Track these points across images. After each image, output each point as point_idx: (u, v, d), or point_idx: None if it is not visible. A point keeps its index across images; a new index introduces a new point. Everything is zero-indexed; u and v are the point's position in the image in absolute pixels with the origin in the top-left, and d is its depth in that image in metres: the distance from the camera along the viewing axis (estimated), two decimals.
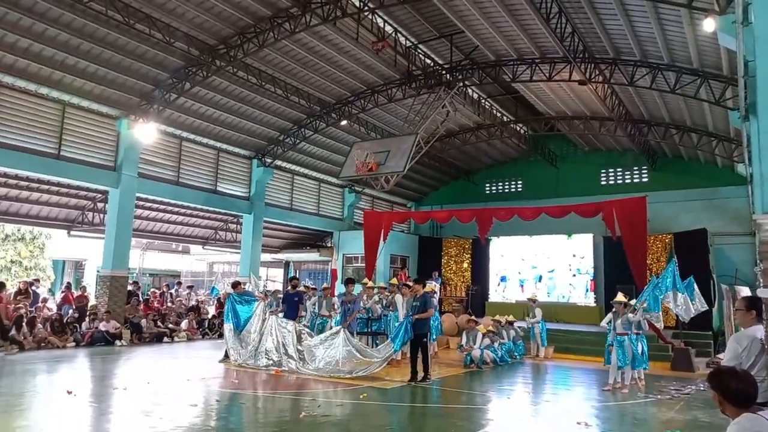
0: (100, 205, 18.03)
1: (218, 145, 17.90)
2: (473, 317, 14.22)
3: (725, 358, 4.27)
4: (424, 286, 10.22)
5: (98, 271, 16.43)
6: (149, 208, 19.41)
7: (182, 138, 16.99)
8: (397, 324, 10.79)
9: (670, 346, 13.25)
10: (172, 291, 19.17)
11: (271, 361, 10.70)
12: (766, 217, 4.33)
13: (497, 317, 13.74)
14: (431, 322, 10.44)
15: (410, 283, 15.30)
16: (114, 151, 15.16)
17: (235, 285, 12.36)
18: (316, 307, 12.65)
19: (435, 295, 12.89)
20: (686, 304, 11.37)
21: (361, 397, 8.24)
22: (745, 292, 11.81)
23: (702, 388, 9.75)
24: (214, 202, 18.25)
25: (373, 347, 11.04)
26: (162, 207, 19.57)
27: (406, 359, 11.39)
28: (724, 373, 3.21)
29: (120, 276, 15.04)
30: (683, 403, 8.63)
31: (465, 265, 22.09)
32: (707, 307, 11.81)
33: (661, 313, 11.21)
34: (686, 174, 19.25)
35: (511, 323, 13.67)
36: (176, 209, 20.06)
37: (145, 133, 14.99)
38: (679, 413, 7.95)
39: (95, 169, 14.71)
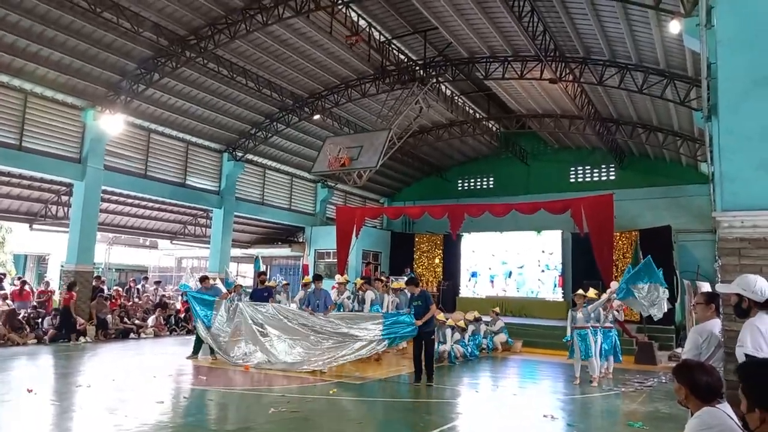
0: (64, 198, 17.55)
1: (188, 138, 17.59)
2: (442, 313, 14.32)
3: (686, 349, 4.39)
4: (417, 286, 9.82)
5: (62, 266, 15.99)
6: (116, 202, 18.98)
7: (150, 130, 16.63)
8: (393, 318, 10.08)
9: (634, 340, 13.59)
10: (139, 287, 18.78)
11: (244, 354, 10.53)
12: (725, 215, 4.45)
13: (468, 315, 13.85)
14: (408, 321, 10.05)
15: (382, 278, 15.43)
16: (79, 143, 14.75)
17: (203, 279, 12.18)
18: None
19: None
20: (659, 301, 11.02)
21: (330, 392, 8.22)
22: (705, 287, 12.16)
23: (664, 381, 10.04)
24: (182, 196, 17.92)
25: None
26: (129, 201, 19.15)
27: (383, 354, 11.39)
28: (694, 368, 3.27)
29: (85, 271, 14.67)
30: (646, 395, 8.87)
31: (437, 260, 22.23)
32: (670, 306, 11.87)
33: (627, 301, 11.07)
34: (652, 172, 19.72)
35: (478, 320, 13.81)
36: (144, 203, 19.65)
37: (112, 124, 14.62)
38: (642, 405, 8.17)
39: (59, 161, 14.30)
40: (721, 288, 4.06)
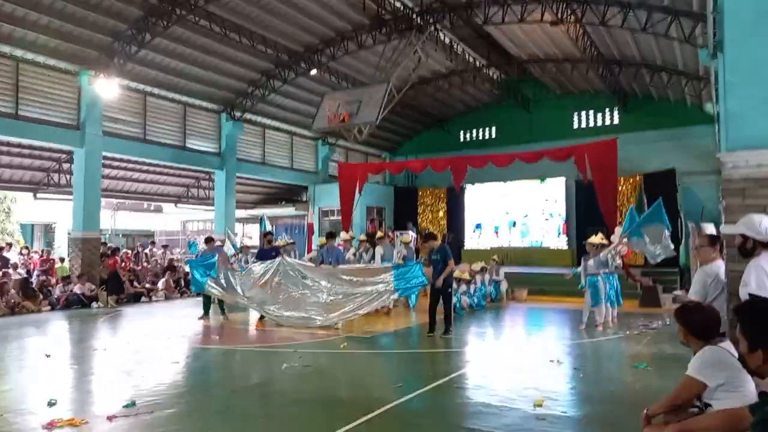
0: (65, 165, 17.52)
1: (185, 99, 17.36)
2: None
3: (693, 290, 4.42)
4: (436, 240, 9.73)
5: (69, 234, 16.12)
6: (117, 167, 18.96)
7: (146, 93, 16.41)
8: (403, 269, 10.07)
9: (638, 283, 13.73)
10: (147, 251, 18.98)
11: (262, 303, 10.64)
12: (730, 155, 4.40)
13: (473, 266, 13.98)
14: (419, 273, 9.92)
15: (389, 233, 15.48)
16: (76, 109, 14.60)
17: (208, 240, 12.26)
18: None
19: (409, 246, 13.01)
20: (664, 244, 10.86)
21: (341, 346, 8.40)
22: (710, 229, 12.15)
23: (668, 323, 10.18)
24: (184, 158, 17.85)
25: None
26: (130, 166, 19.11)
27: (393, 308, 11.59)
28: (689, 309, 3.35)
29: (92, 238, 14.79)
30: (650, 338, 9.02)
31: (441, 213, 22.27)
32: (674, 254, 11.71)
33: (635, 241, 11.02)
34: (656, 114, 19.40)
35: (483, 269, 13.95)
36: (145, 167, 19.63)
37: (107, 88, 14.42)
38: (647, 347, 8.32)
39: (57, 129, 14.20)
40: (725, 229, 4.06)
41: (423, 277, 9.46)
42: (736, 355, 2.91)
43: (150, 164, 19.04)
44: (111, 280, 14.39)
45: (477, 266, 13.79)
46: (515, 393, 5.72)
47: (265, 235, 13.35)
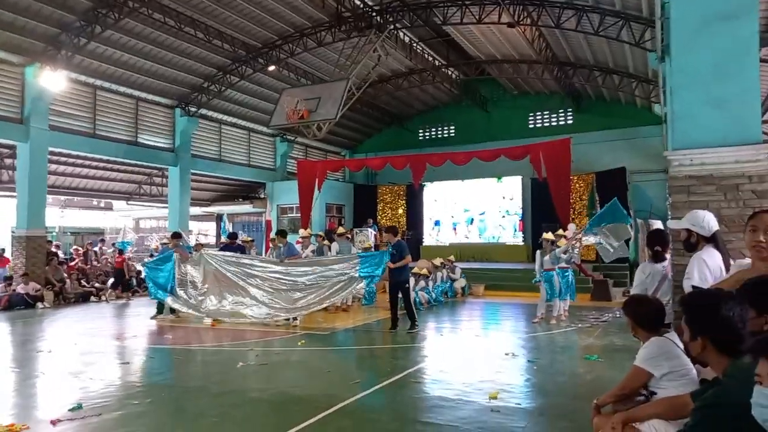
0: (8, 161, 16.71)
1: (137, 93, 16.81)
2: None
3: (633, 286, 4.63)
4: (395, 235, 9.83)
5: (13, 232, 15.39)
6: (65, 163, 18.22)
7: (96, 87, 15.81)
8: (368, 256, 10.27)
9: (590, 278, 14.15)
10: (96, 249, 18.31)
11: (215, 307, 10.48)
12: (676, 153, 4.57)
13: (435, 260, 14.15)
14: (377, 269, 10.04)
15: (348, 234, 15.45)
16: (19, 103, 13.94)
17: (176, 236, 11.97)
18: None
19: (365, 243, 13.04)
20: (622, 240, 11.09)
21: (299, 344, 8.32)
22: (657, 225, 12.65)
23: (618, 316, 10.54)
24: (135, 154, 17.30)
25: None
26: (79, 161, 18.39)
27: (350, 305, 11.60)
28: (636, 301, 3.48)
29: (37, 236, 14.16)
30: (601, 330, 9.32)
31: (400, 210, 22.37)
32: (626, 253, 12.06)
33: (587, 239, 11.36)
34: (608, 115, 20.03)
35: (444, 264, 14.11)
36: (95, 163, 18.93)
37: (54, 81, 13.83)
38: (598, 339, 8.59)
39: None
40: (671, 224, 4.21)
41: (384, 264, 9.59)
42: (681, 345, 3.03)
43: (100, 160, 18.38)
44: (117, 276, 15.39)
45: (437, 261, 13.96)
46: (471, 386, 5.80)
47: (230, 237, 13.07)
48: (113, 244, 19.83)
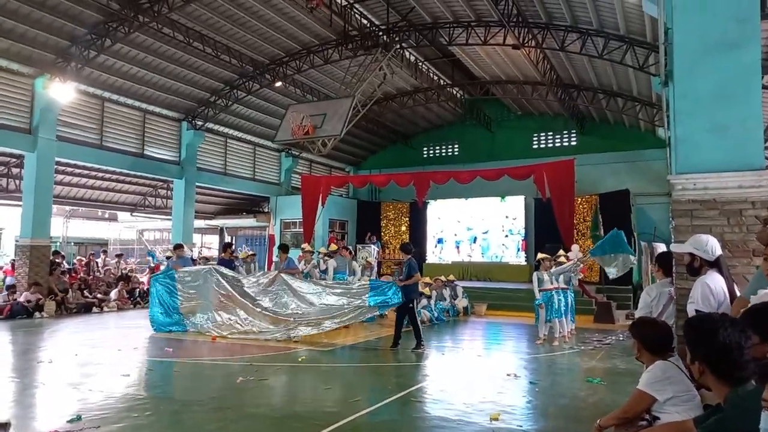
0: (15, 170, 16.84)
1: (144, 106, 16.99)
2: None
3: (638, 308, 4.62)
4: (408, 253, 9.73)
5: (17, 241, 15.44)
6: (71, 174, 18.35)
7: (104, 99, 15.99)
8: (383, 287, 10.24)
9: (593, 300, 14.09)
10: (98, 260, 18.34)
11: (216, 323, 10.51)
12: (679, 178, 4.59)
13: (441, 277, 14.17)
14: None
15: (349, 248, 15.48)
16: (28, 113, 14.10)
17: (178, 247, 12.03)
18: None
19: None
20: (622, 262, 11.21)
21: (299, 360, 8.28)
22: (661, 248, 12.62)
23: (621, 339, 10.47)
24: (141, 166, 17.42)
25: None
26: (85, 172, 18.52)
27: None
28: (644, 324, 3.47)
29: (41, 245, 14.21)
30: (604, 353, 9.25)
31: (403, 228, 22.39)
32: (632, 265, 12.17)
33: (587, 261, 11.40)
34: (612, 137, 20.12)
35: (451, 281, 14.17)
36: (101, 174, 19.05)
37: (63, 92, 14.00)
38: (600, 362, 8.53)
39: (7, 132, 13.64)
40: (674, 248, 4.22)
41: (398, 296, 9.55)
42: (685, 369, 3.02)
43: (106, 171, 18.50)
44: None
45: (443, 278, 14.05)
46: (472, 407, 5.76)
47: (226, 248, 13.16)
48: (118, 255, 19.91)
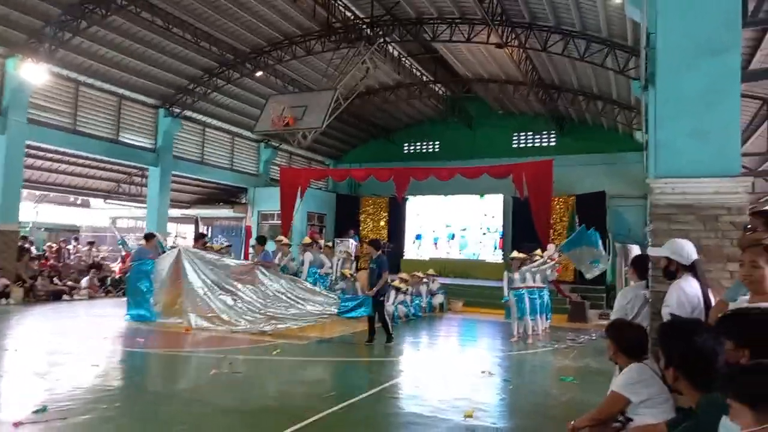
0: None
1: (120, 91, 16.59)
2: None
3: (614, 310, 4.67)
4: (377, 249, 9.79)
5: None
6: (43, 158, 17.85)
7: (79, 82, 15.56)
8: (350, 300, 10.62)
9: (567, 299, 14.28)
10: (70, 247, 17.91)
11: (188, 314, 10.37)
12: (657, 182, 4.64)
13: (418, 273, 14.19)
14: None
15: (329, 244, 15.41)
16: None
17: (149, 237, 11.81)
18: None
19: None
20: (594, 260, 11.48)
21: (273, 353, 8.21)
22: (635, 250, 12.82)
23: (594, 338, 10.63)
24: (116, 152, 17.03)
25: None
26: (57, 157, 18.04)
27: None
28: (622, 327, 3.50)
29: (9, 230, 13.80)
30: (577, 352, 9.37)
31: (382, 223, 22.36)
32: (606, 267, 12.49)
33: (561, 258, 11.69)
34: (590, 139, 20.35)
35: (431, 276, 14.23)
36: (74, 159, 18.58)
37: (35, 74, 13.56)
38: (573, 361, 8.64)
39: None
40: (651, 251, 4.27)
41: (368, 310, 9.65)
42: (659, 372, 3.05)
43: (79, 156, 18.04)
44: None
45: (421, 274, 14.07)
46: (446, 404, 5.77)
47: (199, 238, 12.97)
48: (90, 242, 19.46)
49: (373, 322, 9.50)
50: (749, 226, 3.36)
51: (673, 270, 3.76)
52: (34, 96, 14.30)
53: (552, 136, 21.53)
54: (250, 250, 14.48)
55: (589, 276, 11.05)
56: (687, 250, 3.68)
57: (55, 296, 13.82)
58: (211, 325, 10.01)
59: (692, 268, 3.66)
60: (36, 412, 4.86)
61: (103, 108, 16.42)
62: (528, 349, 9.49)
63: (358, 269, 16.44)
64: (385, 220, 22.34)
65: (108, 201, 22.68)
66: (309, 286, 11.35)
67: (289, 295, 10.29)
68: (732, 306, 3.01)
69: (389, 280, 12.30)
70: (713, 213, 4.39)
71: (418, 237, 21.80)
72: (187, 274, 10.44)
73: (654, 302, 4.29)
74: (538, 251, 11.47)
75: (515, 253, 10.96)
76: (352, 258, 14.62)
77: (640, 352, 3.27)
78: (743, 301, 2.93)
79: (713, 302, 3.62)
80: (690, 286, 3.56)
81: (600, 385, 4.75)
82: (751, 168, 13.64)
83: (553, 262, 11.34)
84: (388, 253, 20.56)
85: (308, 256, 12.39)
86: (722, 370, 2.20)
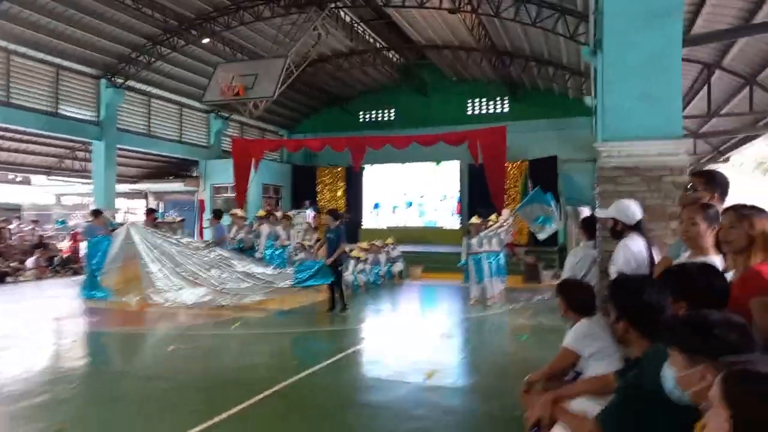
0: None
1: (57, 61, 15.66)
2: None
3: (564, 270, 4.85)
4: (336, 219, 9.77)
5: None
6: None
7: (10, 51, 14.58)
8: (306, 262, 10.58)
9: (522, 261, 14.71)
10: (11, 227, 17.10)
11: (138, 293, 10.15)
12: (605, 145, 4.78)
13: (376, 242, 14.26)
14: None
15: (288, 214, 15.23)
16: None
17: (96, 213, 11.41)
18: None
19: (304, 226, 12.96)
20: (545, 220, 11.87)
21: (233, 327, 8.16)
22: (585, 211, 13.25)
23: (547, 298, 11.02)
24: (55, 126, 16.17)
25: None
26: None
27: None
28: (571, 286, 3.65)
29: None
30: (531, 311, 9.72)
31: (339, 193, 22.28)
32: (558, 228, 13.01)
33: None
34: (542, 105, 20.66)
35: (391, 245, 14.34)
36: (9, 134, 17.56)
37: None
38: (528, 320, 8.96)
39: None
40: (599, 213, 4.41)
41: (326, 275, 9.60)
42: (606, 326, 3.21)
43: (15, 131, 17.06)
44: None
45: (379, 242, 14.15)
46: (407, 367, 5.90)
47: (149, 213, 12.62)
48: (33, 221, 18.64)
49: (333, 291, 9.56)
50: (690, 186, 3.52)
51: (619, 230, 3.91)
52: None
53: (505, 102, 21.74)
54: (205, 223, 14.22)
55: (541, 237, 11.43)
56: (632, 210, 3.83)
57: None
58: (167, 302, 9.83)
59: (637, 227, 3.82)
60: None
61: (39, 79, 15.49)
62: (486, 312, 9.76)
63: (316, 240, 16.41)
64: (342, 190, 22.25)
65: (51, 177, 21.65)
66: (262, 266, 11.21)
67: (243, 270, 10.21)
68: (676, 263, 3.16)
69: (348, 250, 12.36)
70: (657, 174, 4.57)
71: (376, 206, 21.85)
72: (140, 252, 10.20)
73: (602, 262, 4.47)
74: (493, 217, 11.72)
75: (474, 219, 11.16)
76: (313, 228, 14.54)
77: (589, 309, 3.42)
78: (685, 257, 3.09)
79: (657, 259, 3.80)
80: (635, 244, 3.72)
81: (553, 342, 4.96)
82: (692, 130, 14.22)
83: (508, 226, 11.63)
84: (347, 223, 20.66)
85: (264, 229, 12.22)
86: (665, 321, 2.33)
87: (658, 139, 4.58)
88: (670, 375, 1.82)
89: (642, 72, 4.59)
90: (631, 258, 3.72)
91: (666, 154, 4.59)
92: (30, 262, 14.51)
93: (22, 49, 14.69)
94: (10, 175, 22.85)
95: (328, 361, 6.16)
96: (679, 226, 3.19)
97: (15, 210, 23.19)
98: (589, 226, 5.11)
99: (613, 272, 3.77)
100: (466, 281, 11.01)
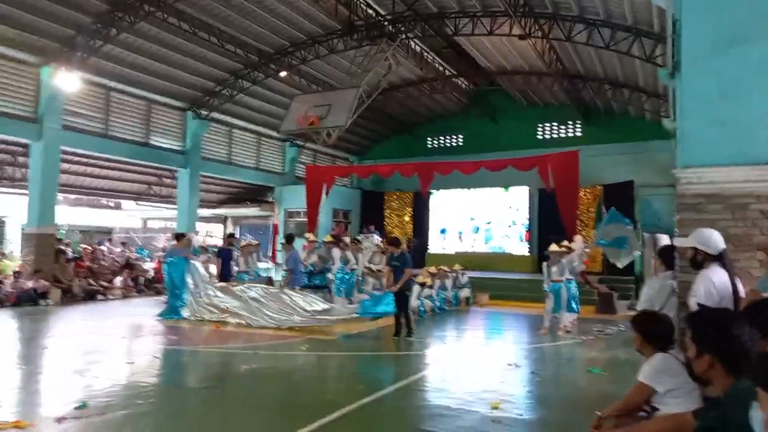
0: (21, 159, 16.90)
1: (149, 95, 16.98)
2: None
3: (640, 301, 4.64)
4: (398, 246, 9.83)
5: (23, 229, 15.54)
6: (77, 162, 18.38)
7: (110, 88, 15.98)
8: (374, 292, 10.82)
9: (596, 291, 14.11)
10: (103, 248, 18.44)
11: (215, 314, 10.64)
12: (684, 171, 4.60)
13: (443, 267, 14.18)
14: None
15: (357, 238, 15.50)
16: (34, 102, 14.11)
17: (179, 237, 12.15)
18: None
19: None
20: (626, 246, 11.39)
21: (302, 349, 8.35)
22: (665, 239, 12.59)
23: (622, 329, 10.49)
24: (146, 155, 17.46)
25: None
26: (90, 161, 18.56)
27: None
28: (648, 318, 3.49)
29: (46, 233, 14.30)
30: (605, 343, 9.29)
31: (406, 218, 22.42)
32: (638, 253, 12.38)
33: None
34: (617, 129, 19.98)
35: (458, 270, 14.23)
36: (106, 163, 19.09)
37: (69, 82, 13.97)
38: (601, 352, 8.57)
39: (14, 121, 13.68)
40: (678, 242, 4.23)
41: (390, 306, 9.66)
42: (684, 362, 3.05)
43: (111, 160, 18.54)
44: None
45: (445, 268, 14.06)
46: (473, 396, 5.81)
47: (229, 237, 13.30)
48: (123, 243, 20.01)
49: (399, 316, 9.59)
50: None
51: (700, 260, 3.73)
52: (68, 103, 14.76)
53: (578, 126, 21.22)
54: (278, 246, 14.73)
55: (620, 264, 10.89)
56: (714, 239, 3.65)
57: (90, 296, 14.27)
58: (240, 323, 10.23)
59: (719, 258, 3.63)
60: (77, 408, 5.06)
61: (133, 112, 16.84)
62: (556, 341, 9.44)
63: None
64: (409, 215, 22.38)
65: (139, 203, 23.23)
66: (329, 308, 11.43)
67: (312, 309, 10.55)
68: (766, 296, 2.98)
69: (414, 275, 12.37)
70: (742, 201, 4.34)
71: (443, 231, 21.78)
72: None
73: (681, 292, 4.26)
74: (564, 243, 11.35)
75: (554, 246, 10.85)
76: (381, 251, 14.67)
77: (666, 342, 3.26)
78: None
79: (741, 291, 3.59)
80: (717, 275, 3.54)
81: (629, 377, 4.74)
82: None
83: (581, 253, 11.23)
84: (414, 248, 20.70)
85: (336, 253, 12.47)
86: (754, 359, 2.19)
87: (742, 165, 4.35)
88: (758, 417, 1.71)
89: (722, 97, 4.42)
90: (712, 290, 3.54)
91: (752, 181, 4.35)
92: (118, 281, 15.55)
93: (120, 86, 16.05)
94: (104, 201, 24.76)
95: (394, 387, 6.17)
96: (765, 257, 3.01)
97: (107, 233, 25.04)
98: (667, 255, 4.88)
99: (693, 304, 3.60)
100: (557, 310, 10.54)
